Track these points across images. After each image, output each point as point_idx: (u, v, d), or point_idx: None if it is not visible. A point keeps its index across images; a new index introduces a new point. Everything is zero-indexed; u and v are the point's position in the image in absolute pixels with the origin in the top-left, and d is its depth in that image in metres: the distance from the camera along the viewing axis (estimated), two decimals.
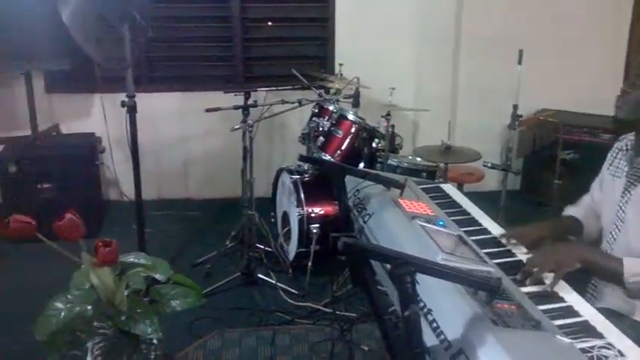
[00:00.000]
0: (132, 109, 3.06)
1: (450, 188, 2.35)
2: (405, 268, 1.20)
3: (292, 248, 3.33)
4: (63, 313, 1.60)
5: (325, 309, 3.00)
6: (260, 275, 3.28)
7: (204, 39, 4.51)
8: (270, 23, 4.48)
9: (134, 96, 3.06)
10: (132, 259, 1.75)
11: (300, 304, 3.06)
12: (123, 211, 4.08)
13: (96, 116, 4.38)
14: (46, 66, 4.01)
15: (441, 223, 1.81)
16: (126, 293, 1.66)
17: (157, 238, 3.69)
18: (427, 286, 1.36)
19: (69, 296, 1.66)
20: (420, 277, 1.23)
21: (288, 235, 3.44)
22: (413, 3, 4.43)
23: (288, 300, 3.10)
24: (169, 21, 4.31)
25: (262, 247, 3.50)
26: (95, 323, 1.61)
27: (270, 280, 3.25)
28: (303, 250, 3.21)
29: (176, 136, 4.53)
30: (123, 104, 3.05)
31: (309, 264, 3.16)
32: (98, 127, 4.33)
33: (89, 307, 1.63)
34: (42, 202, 3.76)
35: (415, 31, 4.48)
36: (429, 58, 4.54)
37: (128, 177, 4.26)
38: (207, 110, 3.28)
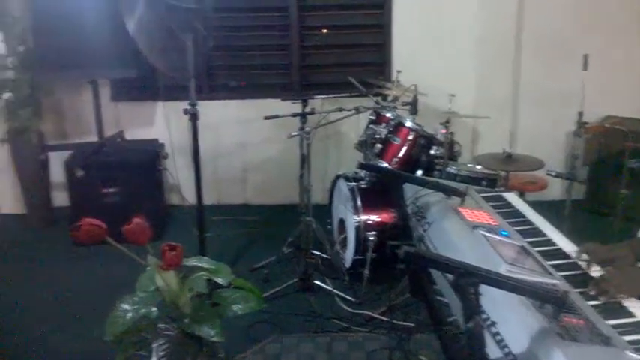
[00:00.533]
0: (194, 117, 3.14)
1: (512, 197, 2.29)
2: (468, 278, 1.18)
3: (349, 255, 3.33)
4: (129, 314, 1.66)
5: (382, 317, 2.98)
6: (316, 281, 3.30)
7: (262, 47, 4.58)
8: (324, 31, 4.51)
9: (196, 104, 3.13)
10: (195, 263, 1.79)
11: (357, 311, 3.05)
12: (184, 216, 4.18)
13: (159, 123, 4.53)
14: (112, 75, 4.20)
15: (504, 233, 1.77)
16: (189, 296, 1.71)
17: (216, 242, 3.76)
18: (491, 298, 1.33)
19: (135, 298, 1.71)
20: (484, 288, 1.21)
21: (344, 243, 3.44)
22: (473, 7, 4.37)
23: (345, 307, 3.10)
24: (229, 30, 4.41)
25: (319, 253, 3.51)
26: (160, 325, 1.66)
27: (326, 286, 3.26)
28: (360, 257, 3.20)
29: (235, 143, 4.63)
30: (185, 112, 3.13)
31: (366, 272, 3.15)
32: (161, 134, 4.47)
33: (154, 309, 1.69)
34: (107, 206, 3.91)
35: (475, 36, 4.41)
36: (489, 63, 4.46)
37: (189, 182, 4.37)
38: (266, 118, 3.34)
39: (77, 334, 2.97)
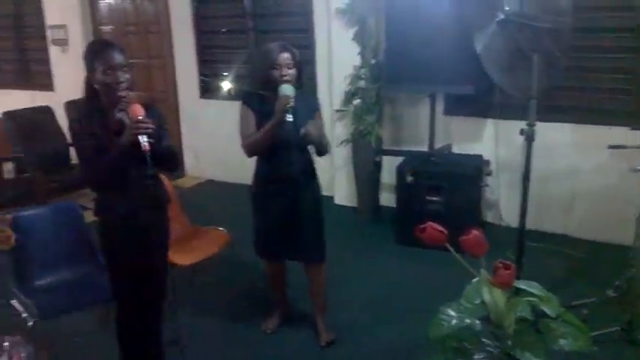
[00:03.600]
0: (530, 138, 3.08)
1: None
2: None
3: None
4: (454, 321, 1.72)
5: None
6: None
7: (610, 70, 4.21)
8: None
9: (534, 125, 3.06)
10: (523, 287, 1.77)
11: None
12: (498, 235, 4.13)
13: (486, 140, 4.56)
14: (451, 90, 4.39)
15: None
16: (514, 318, 1.69)
17: (530, 269, 3.62)
18: None
19: (460, 307, 1.77)
20: None
21: None
22: None
23: None
24: (576, 50, 4.16)
25: None
26: (483, 339, 1.69)
27: None
28: None
29: (565, 169, 4.33)
30: (521, 132, 3.09)
31: None
32: (486, 151, 4.50)
33: (478, 322, 1.72)
34: (429, 212, 4.09)
35: None
36: None
37: (509, 202, 4.31)
38: (611, 147, 3.06)
39: (394, 326, 3.23)
